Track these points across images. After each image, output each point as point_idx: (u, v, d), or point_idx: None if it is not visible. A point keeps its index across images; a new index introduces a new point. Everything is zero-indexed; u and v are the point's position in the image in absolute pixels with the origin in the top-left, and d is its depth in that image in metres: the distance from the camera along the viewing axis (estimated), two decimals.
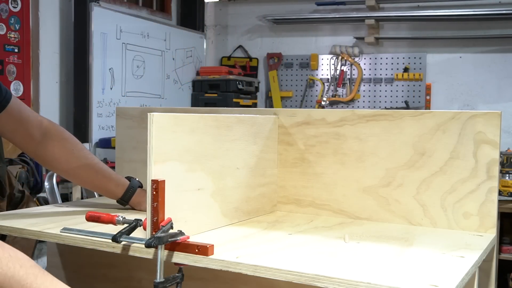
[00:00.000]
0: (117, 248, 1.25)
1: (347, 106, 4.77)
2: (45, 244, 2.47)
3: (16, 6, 3.34)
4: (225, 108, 1.96)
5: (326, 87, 4.85)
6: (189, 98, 4.71)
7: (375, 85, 4.74)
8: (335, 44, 4.82)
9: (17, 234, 1.41)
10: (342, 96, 4.81)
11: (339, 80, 4.80)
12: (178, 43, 4.56)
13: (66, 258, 1.78)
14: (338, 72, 4.80)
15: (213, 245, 1.17)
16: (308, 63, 4.90)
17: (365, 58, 4.76)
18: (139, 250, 1.22)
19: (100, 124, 3.76)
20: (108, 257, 1.57)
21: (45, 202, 2.89)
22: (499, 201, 1.52)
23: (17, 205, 2.30)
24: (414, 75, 4.58)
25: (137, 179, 1.65)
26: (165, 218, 1.20)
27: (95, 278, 1.72)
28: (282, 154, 1.71)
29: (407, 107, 4.54)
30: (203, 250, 1.15)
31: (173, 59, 4.52)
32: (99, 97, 3.75)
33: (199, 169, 1.36)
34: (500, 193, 3.69)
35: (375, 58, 4.73)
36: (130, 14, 4.14)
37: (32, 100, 3.38)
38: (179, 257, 1.18)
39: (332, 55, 4.84)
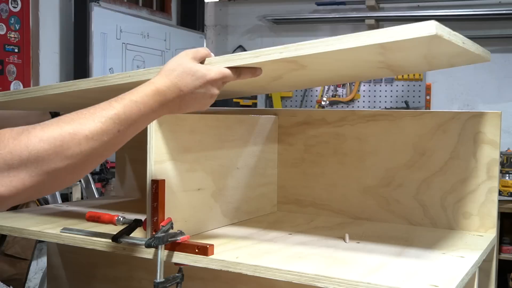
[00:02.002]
0: (117, 248, 1.25)
1: (347, 106, 4.77)
2: (45, 244, 2.48)
3: (16, 6, 3.34)
4: (225, 108, 1.96)
5: (326, 87, 4.85)
6: None
7: (375, 85, 4.74)
8: None
9: (17, 234, 1.41)
10: (342, 96, 4.81)
11: None
12: (178, 43, 4.56)
13: (66, 258, 1.78)
14: None
15: (213, 245, 1.17)
16: None
17: None
18: (139, 250, 1.22)
19: None
20: (108, 257, 1.57)
21: (45, 202, 2.89)
22: (499, 201, 1.52)
23: (17, 205, 2.29)
24: (414, 75, 4.58)
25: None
26: (165, 218, 1.20)
27: (95, 278, 1.71)
28: (282, 154, 1.71)
29: (407, 107, 4.54)
30: (203, 250, 1.15)
31: None
32: None
33: (199, 169, 1.36)
34: (500, 193, 3.68)
35: None
36: (130, 14, 4.14)
37: None
38: (179, 257, 1.18)
39: None
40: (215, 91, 1.07)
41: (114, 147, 0.93)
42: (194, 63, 1.05)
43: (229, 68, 1.08)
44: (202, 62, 1.09)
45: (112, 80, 1.22)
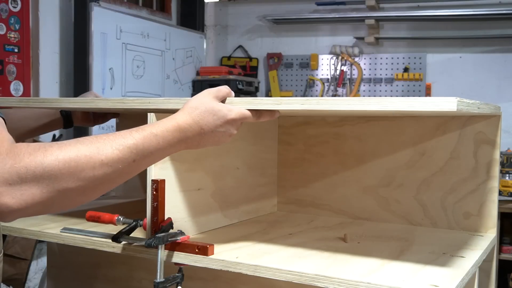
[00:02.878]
0: (117, 248, 1.25)
1: None
2: (45, 244, 2.47)
3: (16, 6, 3.34)
4: None
5: (326, 87, 4.85)
6: None
7: (375, 85, 4.74)
8: (335, 44, 4.83)
9: (17, 234, 1.41)
10: (342, 96, 4.81)
11: (339, 80, 4.80)
12: (178, 43, 4.56)
13: (66, 258, 1.78)
14: (338, 72, 4.80)
15: (213, 245, 1.17)
16: (308, 63, 4.91)
17: (365, 58, 4.76)
18: (139, 250, 1.22)
19: (101, 124, 3.75)
20: (108, 257, 1.57)
21: None
22: (499, 201, 1.52)
23: None
24: (414, 75, 4.58)
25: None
26: (165, 218, 1.20)
27: (95, 278, 1.71)
28: (282, 154, 1.71)
29: None
30: (203, 250, 1.15)
31: (173, 59, 4.52)
32: None
33: (199, 169, 1.36)
34: (500, 193, 3.68)
35: (375, 58, 4.73)
36: (130, 14, 4.14)
37: None
38: (179, 257, 1.18)
39: (332, 55, 4.84)
40: (234, 131, 1.10)
41: (127, 175, 0.94)
42: (216, 103, 1.08)
43: (249, 109, 1.11)
44: (223, 101, 1.12)
45: (131, 104, 1.25)
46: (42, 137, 3.42)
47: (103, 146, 0.89)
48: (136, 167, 0.95)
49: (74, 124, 1.68)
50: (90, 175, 0.86)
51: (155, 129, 0.98)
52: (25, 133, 1.61)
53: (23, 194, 0.81)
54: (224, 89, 1.13)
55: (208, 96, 1.09)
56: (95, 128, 3.68)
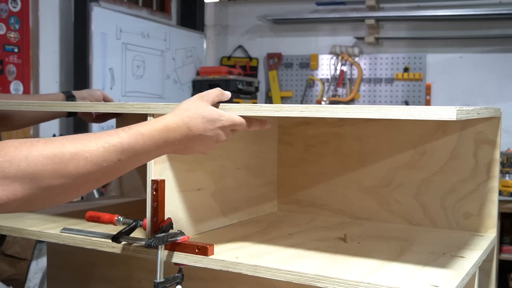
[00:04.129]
0: (117, 248, 1.25)
1: None
2: (45, 244, 2.47)
3: (16, 6, 3.34)
4: None
5: (326, 87, 4.85)
6: None
7: (375, 85, 4.74)
8: (335, 44, 4.83)
9: (17, 234, 1.41)
10: (342, 96, 4.81)
11: (339, 80, 4.80)
12: (178, 43, 4.57)
13: (66, 258, 1.78)
14: (338, 72, 4.81)
15: (213, 245, 1.17)
16: (308, 63, 4.91)
17: (365, 58, 4.76)
18: (139, 250, 1.22)
19: (100, 124, 3.75)
20: (108, 257, 1.57)
21: None
22: (499, 201, 1.52)
23: None
24: (414, 75, 4.58)
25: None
26: (165, 218, 1.20)
27: (95, 278, 1.71)
28: (282, 154, 1.71)
29: None
30: (203, 250, 1.15)
31: (173, 59, 4.52)
32: None
33: (199, 169, 1.36)
34: (500, 193, 3.69)
35: (375, 58, 4.73)
36: (130, 14, 4.14)
37: None
38: (179, 257, 1.18)
39: (332, 55, 4.84)
40: (223, 137, 1.09)
41: (113, 175, 0.93)
42: (207, 106, 1.07)
43: (242, 116, 1.10)
44: (217, 103, 1.11)
45: (130, 109, 1.26)
46: (42, 135, 3.42)
47: (88, 143, 0.88)
48: (122, 166, 0.93)
49: (78, 115, 1.67)
50: (74, 172, 0.85)
51: (142, 128, 0.97)
52: (31, 120, 1.60)
53: (4, 189, 0.79)
54: (215, 91, 1.12)
55: (199, 100, 1.08)
56: (95, 128, 3.68)
